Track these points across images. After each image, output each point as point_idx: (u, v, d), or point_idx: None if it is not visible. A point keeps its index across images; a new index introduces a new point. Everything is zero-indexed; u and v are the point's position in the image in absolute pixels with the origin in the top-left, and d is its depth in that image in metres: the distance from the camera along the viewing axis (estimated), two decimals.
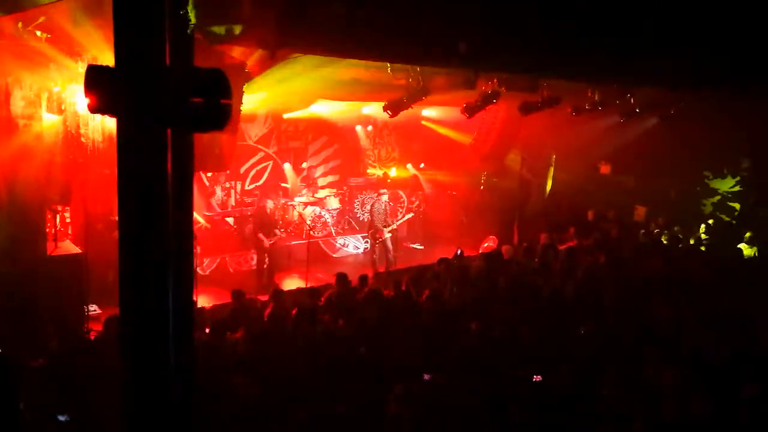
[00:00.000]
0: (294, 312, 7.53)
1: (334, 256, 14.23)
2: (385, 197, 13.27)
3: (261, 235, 11.70)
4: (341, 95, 11.80)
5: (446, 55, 6.92)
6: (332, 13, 5.70)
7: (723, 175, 15.43)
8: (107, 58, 6.40)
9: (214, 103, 1.63)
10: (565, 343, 7.20)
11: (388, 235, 12.89)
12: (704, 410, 5.30)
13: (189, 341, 1.86)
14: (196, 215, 12.29)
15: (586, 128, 14.32)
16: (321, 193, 14.92)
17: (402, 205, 15.79)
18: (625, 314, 8.12)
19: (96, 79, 1.66)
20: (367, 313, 7.79)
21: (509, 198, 15.45)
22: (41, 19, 6.50)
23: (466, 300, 8.54)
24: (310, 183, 15.00)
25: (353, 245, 14.66)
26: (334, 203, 14.83)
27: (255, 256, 12.22)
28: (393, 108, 10.32)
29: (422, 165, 16.45)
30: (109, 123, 7.56)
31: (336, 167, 15.91)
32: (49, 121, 7.56)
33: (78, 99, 7.57)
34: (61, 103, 7.44)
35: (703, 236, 14.26)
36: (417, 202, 15.23)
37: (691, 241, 13.84)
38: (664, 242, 13.15)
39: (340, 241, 14.48)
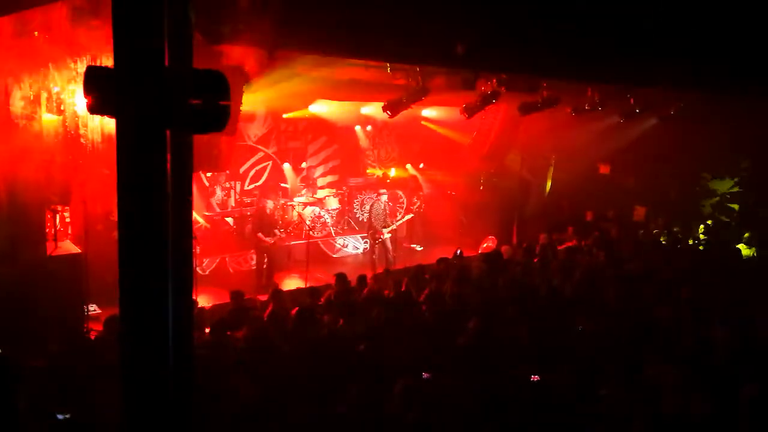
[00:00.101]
0: (294, 312, 7.54)
1: (333, 256, 14.24)
2: (384, 197, 13.28)
3: (261, 235, 11.70)
4: (340, 95, 11.82)
5: (445, 56, 6.92)
6: (331, 13, 5.71)
7: (722, 176, 15.45)
8: (106, 59, 6.41)
9: (213, 104, 1.63)
10: (565, 343, 7.21)
11: (387, 236, 12.89)
12: (704, 410, 5.30)
13: (189, 341, 1.86)
14: (195, 215, 12.31)
15: (586, 128, 14.33)
16: (320, 194, 14.93)
17: (401, 205, 15.80)
18: (625, 314, 8.12)
19: (95, 79, 1.66)
20: (367, 313, 7.80)
21: (509, 198, 15.46)
22: (40, 20, 6.50)
23: (465, 300, 8.54)
24: (309, 183, 15.01)
25: (353, 245, 14.67)
26: (333, 203, 14.84)
27: (254, 256, 12.23)
28: (392, 108, 10.33)
29: (421, 165, 16.45)
30: (109, 123, 7.56)
31: (335, 167, 15.92)
32: (48, 122, 7.56)
33: (77, 99, 7.57)
34: (61, 103, 7.45)
35: (701, 236, 14.28)
36: (416, 203, 15.24)
37: (690, 242, 13.87)
38: (664, 242, 13.16)
39: (339, 241, 14.48)
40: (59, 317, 7.77)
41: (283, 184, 14.72)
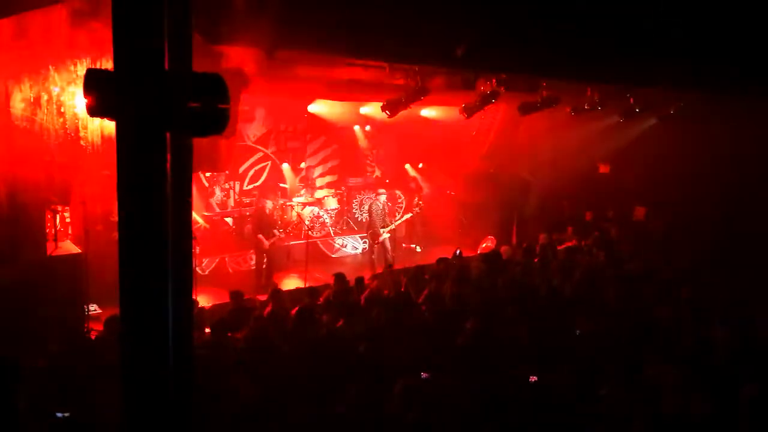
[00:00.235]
0: (293, 312, 7.54)
1: (332, 256, 14.24)
2: (383, 197, 13.27)
3: (261, 236, 11.71)
4: (339, 95, 11.82)
5: (445, 56, 6.92)
6: (331, 13, 5.71)
7: None
8: (106, 61, 6.42)
9: (212, 107, 1.64)
10: (565, 343, 7.21)
11: (386, 236, 12.89)
12: (704, 410, 5.30)
13: (189, 341, 1.86)
14: (195, 215, 12.31)
15: (586, 128, 14.33)
16: (319, 194, 14.94)
17: (400, 205, 15.80)
18: (625, 314, 8.12)
19: (95, 82, 1.66)
20: (367, 314, 7.80)
21: (508, 198, 15.45)
22: (41, 22, 6.51)
23: (465, 300, 8.54)
24: (308, 183, 15.01)
25: (352, 245, 14.67)
26: (332, 203, 14.84)
27: (254, 257, 12.23)
28: (391, 108, 10.33)
29: (421, 165, 16.45)
30: (108, 125, 7.57)
31: (334, 167, 15.92)
32: (48, 123, 7.57)
33: (77, 101, 7.59)
34: (61, 105, 7.47)
35: None
36: (416, 202, 15.23)
37: None
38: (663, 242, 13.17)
39: (338, 241, 14.48)
40: (59, 317, 7.78)
41: (282, 184, 14.72)
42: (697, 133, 13.64)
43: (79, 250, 8.67)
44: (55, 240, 8.58)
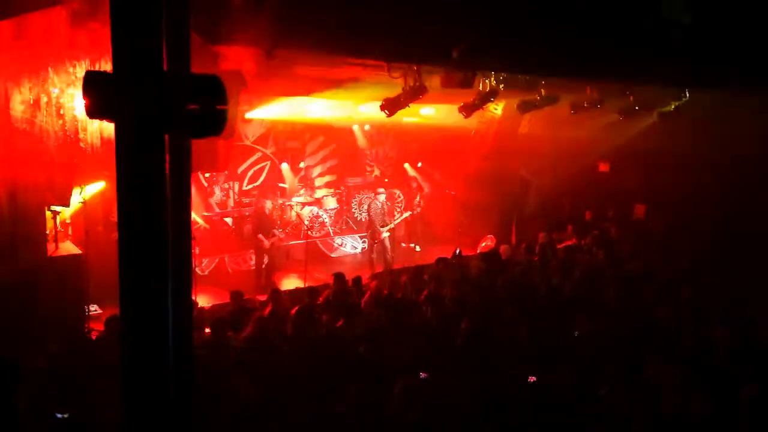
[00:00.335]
0: (293, 312, 7.54)
1: (332, 256, 14.24)
2: (382, 197, 13.26)
3: (261, 236, 11.71)
4: (338, 94, 11.80)
5: (445, 56, 6.92)
6: (331, 13, 5.71)
7: None
8: (105, 62, 6.42)
9: (211, 108, 1.64)
10: (565, 343, 7.21)
11: (386, 235, 12.89)
12: (704, 410, 5.30)
13: (189, 341, 1.87)
14: (194, 216, 12.31)
15: (585, 126, 14.30)
16: (318, 193, 14.93)
17: (399, 204, 15.80)
18: (625, 314, 8.12)
19: (94, 84, 1.67)
20: (366, 314, 7.80)
21: (508, 198, 15.44)
22: (40, 23, 6.51)
23: (464, 300, 8.54)
24: (307, 183, 15.00)
25: (351, 245, 14.67)
26: (331, 203, 14.84)
27: (254, 256, 12.23)
28: (390, 107, 10.31)
29: (420, 164, 16.44)
30: (108, 127, 7.57)
31: (333, 167, 15.91)
32: (48, 125, 7.59)
33: (77, 103, 7.59)
34: (60, 107, 7.48)
35: None
36: (415, 202, 15.23)
37: None
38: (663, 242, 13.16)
39: (337, 241, 14.48)
40: (59, 317, 7.79)
41: (281, 184, 14.71)
42: (698, 132, 13.61)
43: (80, 251, 8.68)
44: (56, 241, 8.60)
